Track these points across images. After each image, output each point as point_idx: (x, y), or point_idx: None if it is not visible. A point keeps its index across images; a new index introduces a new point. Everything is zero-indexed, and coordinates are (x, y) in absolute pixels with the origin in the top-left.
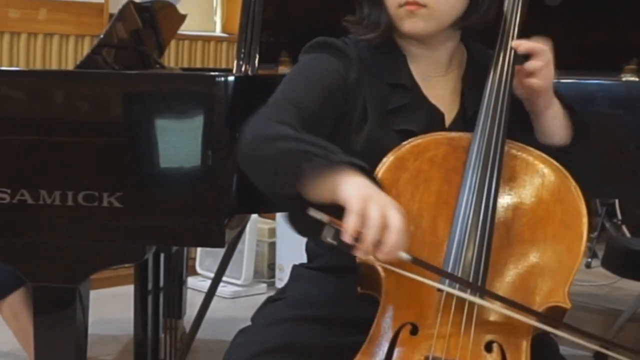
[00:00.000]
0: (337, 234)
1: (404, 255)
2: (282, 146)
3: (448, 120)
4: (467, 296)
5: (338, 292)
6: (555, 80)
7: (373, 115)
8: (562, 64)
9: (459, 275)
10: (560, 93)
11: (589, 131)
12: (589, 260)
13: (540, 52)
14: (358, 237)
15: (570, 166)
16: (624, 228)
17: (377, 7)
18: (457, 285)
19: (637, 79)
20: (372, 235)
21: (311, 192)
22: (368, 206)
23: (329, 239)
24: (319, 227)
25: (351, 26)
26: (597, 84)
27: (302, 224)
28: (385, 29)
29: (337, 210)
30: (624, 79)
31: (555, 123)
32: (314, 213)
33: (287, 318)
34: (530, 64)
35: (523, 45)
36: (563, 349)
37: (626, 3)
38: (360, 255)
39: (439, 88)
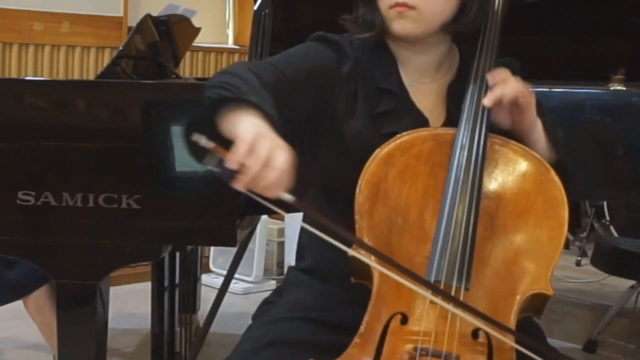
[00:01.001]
0: (221, 162)
1: (287, 196)
2: (226, 79)
3: (433, 125)
4: (448, 306)
5: (328, 297)
6: (548, 89)
7: (363, 116)
8: (554, 75)
9: (445, 265)
10: (542, 115)
11: (571, 148)
12: (579, 258)
13: (501, 92)
14: (240, 169)
15: (564, 177)
16: (612, 228)
17: (370, 7)
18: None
19: (624, 88)
20: (255, 168)
21: (221, 123)
22: (258, 142)
23: (211, 166)
24: (204, 152)
25: (347, 24)
26: (587, 92)
27: (191, 146)
28: (379, 30)
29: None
30: (611, 88)
31: (539, 144)
32: (197, 138)
33: (282, 318)
34: (498, 95)
35: (489, 99)
36: (554, 342)
37: (613, 17)
38: (239, 187)
39: (426, 94)
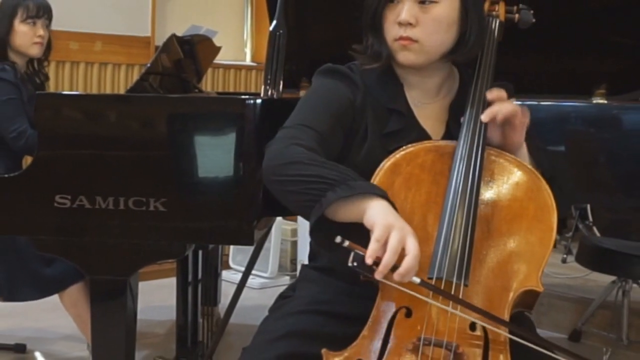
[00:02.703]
0: (358, 258)
1: (416, 279)
2: (302, 170)
3: None
4: (450, 309)
5: (338, 292)
6: (536, 102)
7: (372, 136)
8: (543, 89)
9: (446, 265)
10: (528, 139)
11: (549, 161)
12: (565, 256)
13: (497, 109)
14: (377, 262)
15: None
16: (595, 229)
17: (378, 39)
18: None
19: (606, 102)
20: (390, 260)
21: (333, 214)
22: (390, 234)
23: (350, 263)
24: (337, 247)
25: (357, 55)
26: (572, 105)
27: (321, 239)
28: (385, 60)
29: (353, 228)
30: (594, 101)
31: (524, 159)
32: (339, 240)
33: (296, 312)
34: (495, 111)
35: (486, 115)
36: (542, 332)
37: (596, 37)
38: (378, 277)
39: (428, 114)
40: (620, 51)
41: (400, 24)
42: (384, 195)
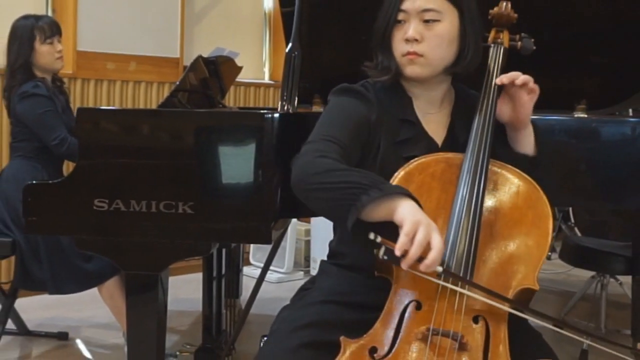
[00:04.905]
0: (388, 251)
1: (439, 269)
2: (334, 178)
3: (440, 148)
4: (459, 288)
5: (355, 284)
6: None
7: (386, 144)
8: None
9: (453, 264)
10: (532, 121)
11: (548, 147)
12: (550, 253)
13: (516, 75)
14: (405, 254)
15: (538, 171)
16: (576, 229)
17: (387, 55)
18: (450, 280)
19: (586, 116)
20: (416, 252)
21: (366, 215)
22: (418, 229)
23: (381, 255)
24: (372, 244)
25: (369, 70)
26: (556, 119)
27: (357, 237)
28: (394, 73)
29: (385, 225)
30: (576, 115)
31: (529, 139)
32: (372, 237)
33: (317, 302)
34: (517, 76)
35: (504, 78)
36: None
37: (579, 57)
38: (404, 267)
39: (434, 123)
40: (598, 70)
41: (407, 40)
42: (411, 196)
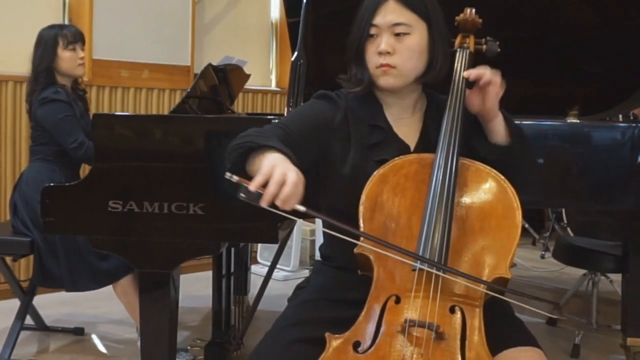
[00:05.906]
0: (246, 190)
1: (300, 207)
2: (235, 142)
3: (412, 150)
4: (434, 270)
5: (343, 281)
6: (518, 122)
7: (356, 149)
8: (524, 110)
9: (428, 256)
10: (502, 110)
11: (521, 133)
12: (543, 253)
13: (483, 72)
14: (262, 192)
15: (515, 159)
16: (569, 229)
17: (361, 67)
18: (425, 264)
19: (578, 121)
20: (272, 188)
21: (250, 170)
22: (273, 168)
23: (241, 194)
24: (235, 187)
25: (342, 82)
26: (549, 124)
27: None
28: (367, 84)
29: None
30: (568, 120)
31: (499, 128)
32: (228, 176)
33: (308, 300)
34: (481, 73)
35: (472, 73)
36: (523, 317)
37: (571, 65)
38: (263, 205)
39: (407, 127)
40: (590, 78)
41: (380, 53)
42: (280, 149)
